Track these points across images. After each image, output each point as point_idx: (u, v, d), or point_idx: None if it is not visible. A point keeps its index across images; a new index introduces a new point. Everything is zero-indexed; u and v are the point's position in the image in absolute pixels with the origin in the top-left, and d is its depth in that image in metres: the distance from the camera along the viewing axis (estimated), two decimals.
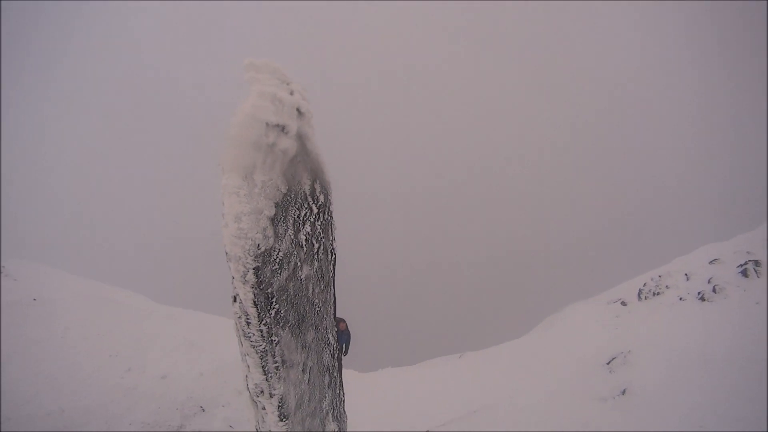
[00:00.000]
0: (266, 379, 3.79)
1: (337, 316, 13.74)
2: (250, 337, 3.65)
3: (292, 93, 3.58)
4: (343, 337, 14.60)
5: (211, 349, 9.46)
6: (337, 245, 4.92)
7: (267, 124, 3.34)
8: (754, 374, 7.39)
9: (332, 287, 4.99)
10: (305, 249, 4.09)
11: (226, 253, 3.44)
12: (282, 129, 3.45)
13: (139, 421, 7.07)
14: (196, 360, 8.83)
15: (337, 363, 5.25)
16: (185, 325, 10.36)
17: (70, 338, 7.97)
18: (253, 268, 3.43)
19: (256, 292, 3.50)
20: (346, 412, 5.69)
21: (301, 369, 4.21)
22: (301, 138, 3.70)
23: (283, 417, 3.92)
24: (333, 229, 4.68)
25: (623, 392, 8.20)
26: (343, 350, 14.58)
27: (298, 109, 3.61)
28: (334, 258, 4.88)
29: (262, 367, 3.74)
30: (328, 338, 4.92)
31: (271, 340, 3.72)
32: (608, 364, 9.85)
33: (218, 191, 3.39)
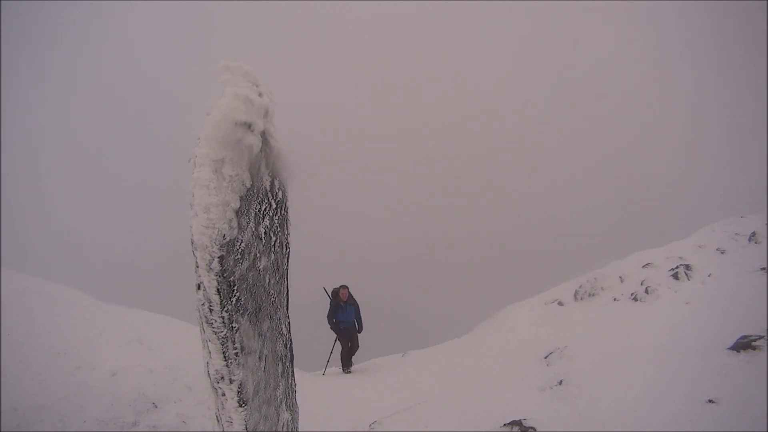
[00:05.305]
0: (227, 365, 3.95)
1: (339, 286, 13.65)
2: (212, 323, 3.83)
3: (261, 95, 3.76)
4: (352, 306, 14.43)
5: (158, 347, 9.39)
6: (292, 240, 5.10)
7: (236, 123, 3.52)
8: (686, 363, 7.90)
9: (286, 280, 5.17)
10: (264, 241, 4.27)
11: (193, 242, 3.61)
12: (249, 127, 3.63)
13: (93, 419, 6.98)
14: (144, 357, 8.74)
15: (289, 353, 5.44)
16: (130, 323, 10.25)
17: (16, 335, 7.82)
18: (218, 257, 3.62)
19: (219, 279, 3.69)
20: (298, 404, 5.86)
21: (257, 356, 4.38)
22: (265, 136, 3.89)
23: (242, 402, 4.08)
24: (288, 225, 4.87)
25: (560, 382, 8.64)
26: (358, 327, 14.63)
27: (266, 110, 3.79)
28: (289, 252, 5.07)
29: (223, 353, 3.91)
30: (281, 329, 5.10)
31: (232, 326, 3.89)
32: (546, 358, 10.32)
33: (186, 185, 3.56)
